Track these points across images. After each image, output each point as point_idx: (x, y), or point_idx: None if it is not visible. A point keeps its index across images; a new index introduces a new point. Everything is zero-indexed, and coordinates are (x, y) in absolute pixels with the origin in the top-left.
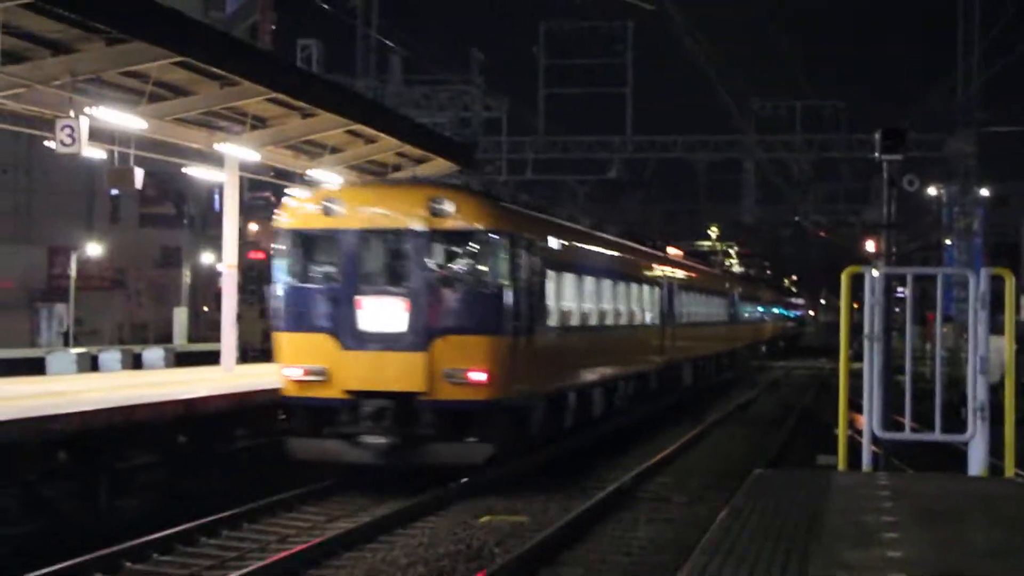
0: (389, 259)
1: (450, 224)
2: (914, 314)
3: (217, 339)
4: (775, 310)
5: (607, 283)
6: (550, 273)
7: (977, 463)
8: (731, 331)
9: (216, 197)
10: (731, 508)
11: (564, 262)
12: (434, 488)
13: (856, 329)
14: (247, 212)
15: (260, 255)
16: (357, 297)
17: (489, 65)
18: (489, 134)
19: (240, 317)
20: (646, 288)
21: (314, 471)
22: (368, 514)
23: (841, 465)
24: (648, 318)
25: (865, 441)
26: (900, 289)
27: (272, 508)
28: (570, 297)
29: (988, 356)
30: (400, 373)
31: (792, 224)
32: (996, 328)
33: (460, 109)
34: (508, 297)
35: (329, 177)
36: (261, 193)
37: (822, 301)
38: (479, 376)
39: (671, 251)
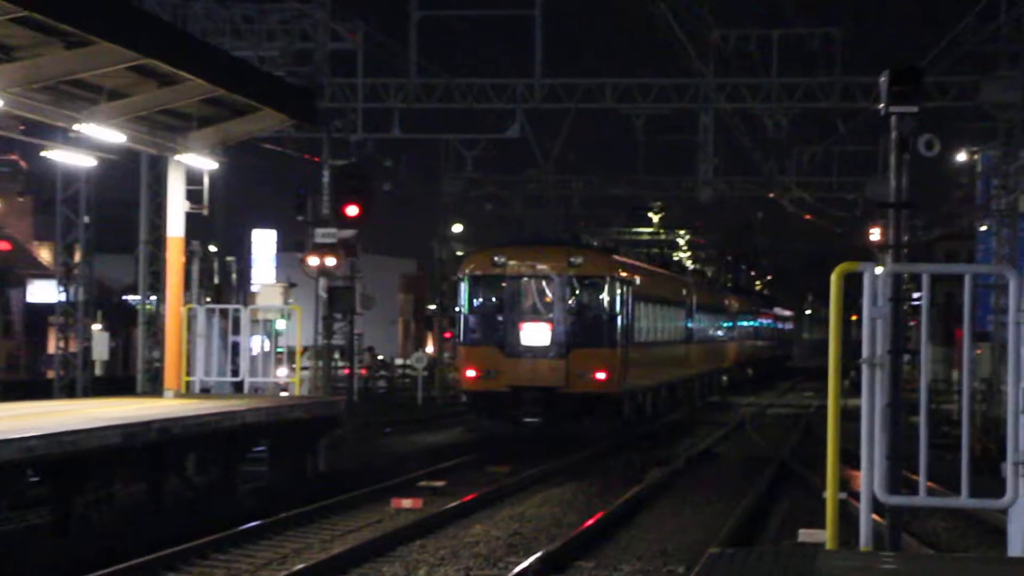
0: (539, 296)
1: (581, 272)
2: (934, 330)
3: None
4: (741, 324)
5: (665, 309)
6: (641, 301)
7: (1020, 538)
8: (689, 355)
9: None
10: None
11: (644, 295)
12: None
13: (854, 351)
14: None
15: (4, 245)
16: (518, 322)
17: None
18: (339, 74)
19: None
20: (681, 310)
21: None
22: None
23: (830, 543)
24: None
25: (863, 508)
26: (915, 295)
27: None
28: (646, 320)
29: None
30: (547, 373)
31: (766, 203)
32: None
33: (297, 38)
34: (618, 321)
35: (108, 133)
36: (5, 155)
37: (808, 312)
38: (601, 375)
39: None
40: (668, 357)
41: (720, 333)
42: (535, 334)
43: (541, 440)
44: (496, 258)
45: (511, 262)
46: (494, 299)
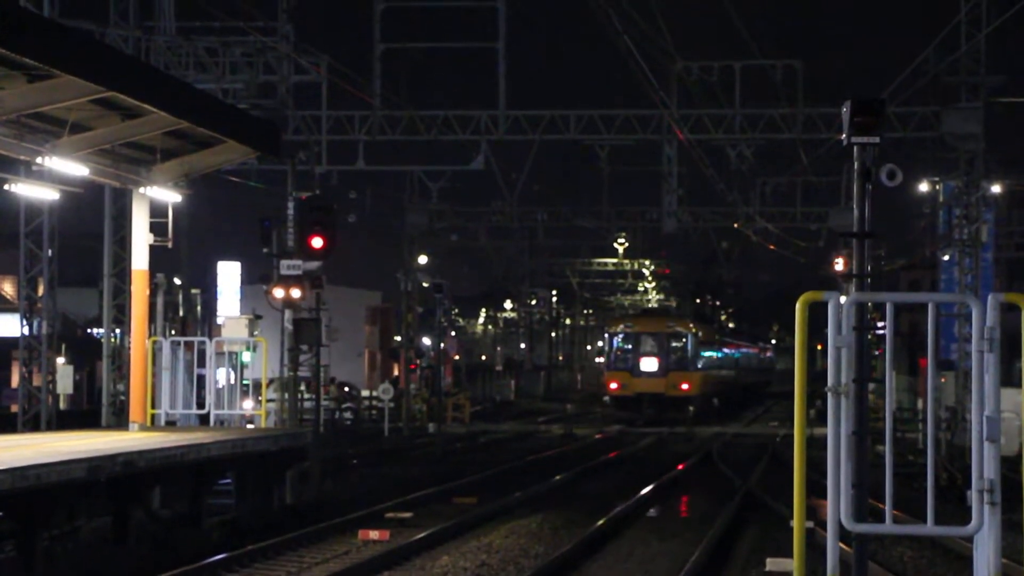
0: (652, 343)
1: (673, 330)
2: (899, 358)
3: None
4: (744, 354)
5: (717, 347)
6: (702, 345)
7: (985, 565)
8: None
9: None
10: None
11: (705, 340)
12: None
13: (819, 380)
14: None
15: None
16: (639, 356)
17: (302, 7)
18: (302, 106)
19: None
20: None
21: None
22: None
23: (797, 572)
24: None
25: (830, 537)
26: (880, 324)
27: None
28: (707, 353)
29: (999, 417)
30: (656, 385)
31: (731, 234)
32: (1010, 378)
33: (261, 71)
34: (692, 357)
35: (71, 167)
36: None
37: (774, 341)
38: (686, 386)
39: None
40: (715, 377)
41: (732, 362)
42: (649, 363)
43: (652, 423)
44: (626, 324)
45: (635, 326)
46: (627, 345)
